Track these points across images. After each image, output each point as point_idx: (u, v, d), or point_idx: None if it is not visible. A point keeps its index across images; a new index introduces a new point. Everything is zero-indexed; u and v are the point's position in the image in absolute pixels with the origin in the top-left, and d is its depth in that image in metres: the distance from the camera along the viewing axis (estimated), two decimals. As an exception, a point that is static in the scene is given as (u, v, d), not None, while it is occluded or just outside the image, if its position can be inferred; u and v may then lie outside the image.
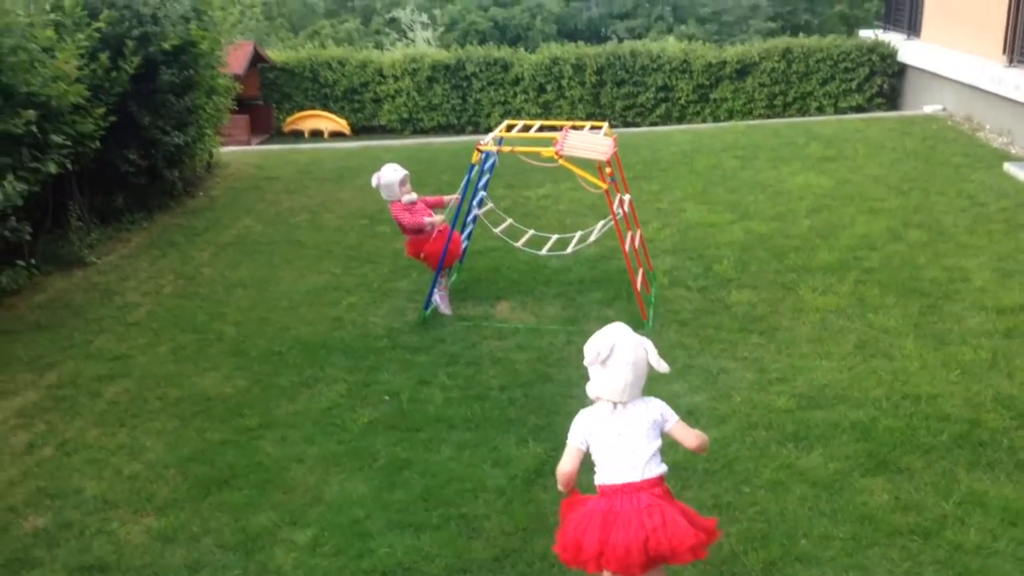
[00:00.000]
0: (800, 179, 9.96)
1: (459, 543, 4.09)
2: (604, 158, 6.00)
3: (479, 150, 6.24)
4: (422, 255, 6.71)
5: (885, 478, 4.45)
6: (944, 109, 13.58)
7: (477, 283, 7.19)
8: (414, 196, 6.64)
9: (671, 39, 17.91)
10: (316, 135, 15.97)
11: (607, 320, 6.45)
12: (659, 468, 3.23)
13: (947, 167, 10.31)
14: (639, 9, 34.18)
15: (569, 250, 6.77)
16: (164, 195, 9.68)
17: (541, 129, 6.63)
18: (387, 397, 5.51)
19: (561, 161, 5.93)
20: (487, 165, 6.93)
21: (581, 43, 16.29)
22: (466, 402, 5.38)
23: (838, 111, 14.81)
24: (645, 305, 6.42)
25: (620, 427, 3.23)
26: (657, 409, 3.30)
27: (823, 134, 12.19)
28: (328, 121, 16.10)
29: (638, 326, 6.26)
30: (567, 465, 3.28)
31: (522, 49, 16.50)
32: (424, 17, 25.94)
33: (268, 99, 16.45)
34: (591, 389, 3.34)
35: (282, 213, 9.63)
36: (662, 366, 3.27)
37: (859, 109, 14.85)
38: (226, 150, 11.93)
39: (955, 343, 5.92)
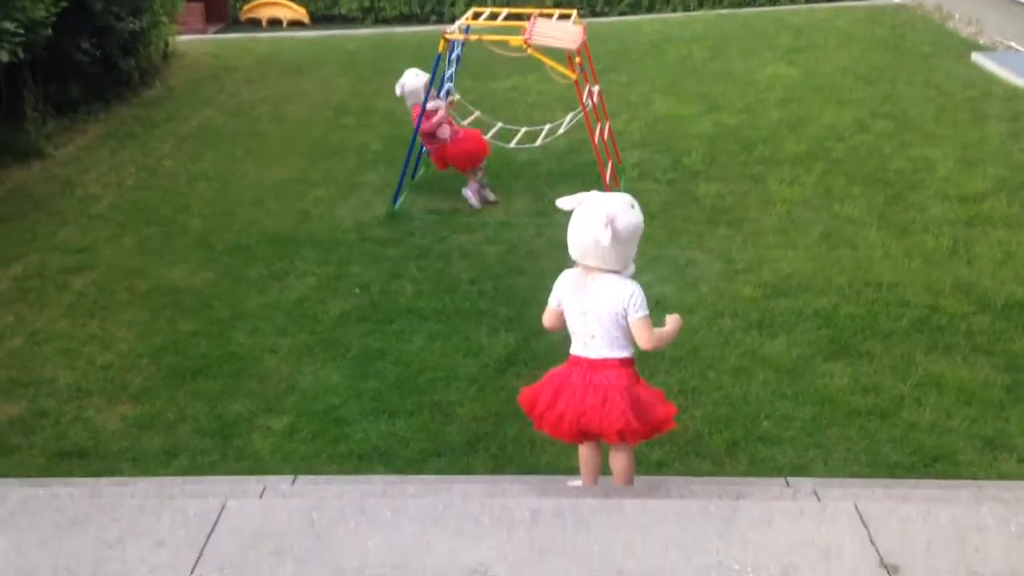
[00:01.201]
0: (769, 70, 9.90)
1: (432, 428, 4.18)
2: (573, 47, 5.92)
3: (445, 39, 6.12)
4: (450, 161, 6.65)
5: (845, 362, 4.59)
6: (914, -2, 13.45)
7: (445, 177, 7.13)
8: (440, 104, 6.55)
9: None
10: (274, 24, 15.48)
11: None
12: (620, 352, 3.23)
13: (915, 57, 10.30)
14: None
15: (538, 142, 6.75)
16: (120, 85, 9.39)
17: (508, 17, 6.49)
18: (358, 290, 5.52)
19: (529, 50, 5.84)
20: (453, 55, 6.81)
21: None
22: (437, 294, 5.41)
23: (809, 0, 14.59)
24: (614, 196, 6.43)
25: (584, 305, 3.22)
26: (621, 300, 3.18)
27: (793, 23, 12.06)
28: (286, 9, 15.58)
29: (607, 217, 6.34)
30: (546, 321, 3.39)
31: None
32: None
33: (224, -15, 15.85)
34: None
35: (243, 104, 9.43)
36: (604, 236, 3.07)
37: (829, -1, 14.63)
38: (182, 39, 11.55)
39: (918, 232, 6.03)
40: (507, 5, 7.79)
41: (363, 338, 4.98)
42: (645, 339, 3.21)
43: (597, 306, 3.20)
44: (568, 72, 6.02)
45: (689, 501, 2.86)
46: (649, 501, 2.89)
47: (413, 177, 6.92)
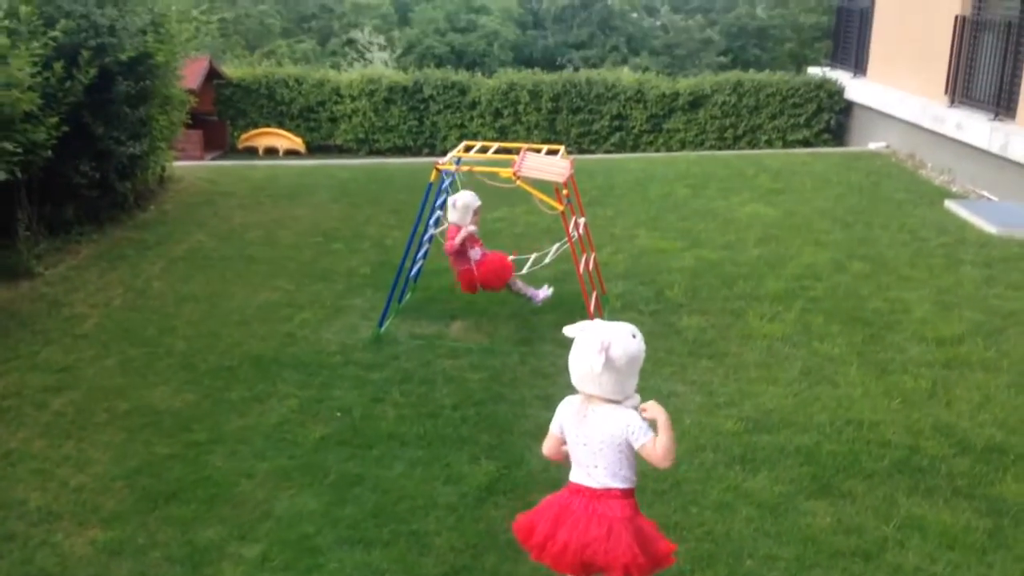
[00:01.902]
0: (749, 209, 10.17)
1: (409, 559, 4.10)
2: (561, 179, 6.10)
3: (437, 169, 6.29)
4: (478, 284, 6.76)
5: (828, 501, 4.56)
6: (888, 146, 13.97)
7: (431, 302, 7.22)
8: (474, 229, 6.69)
9: (626, 69, 18.21)
10: (271, 152, 15.90)
11: (561, 342, 6.54)
12: (623, 483, 3.24)
13: (890, 202, 10.62)
14: (594, 39, 34.67)
15: (524, 271, 6.86)
16: (115, 207, 9.56)
17: (499, 151, 6.71)
18: (339, 413, 5.50)
19: (518, 182, 6.01)
20: (444, 185, 6.99)
21: (538, 70, 16.49)
22: (419, 419, 5.40)
23: (786, 145, 15.16)
24: (597, 328, 6.50)
25: (584, 435, 3.23)
26: (621, 430, 3.18)
27: (772, 166, 12.47)
28: (283, 139, 16.05)
29: (590, 349, 6.39)
30: (545, 449, 3.38)
31: (479, 74, 16.64)
32: (382, 39, 26.00)
33: (223, 115, 16.35)
34: None
35: (235, 229, 9.58)
36: (596, 361, 3.12)
37: (806, 144, 15.22)
38: (179, 164, 11.82)
39: (897, 372, 6.09)
40: (498, 141, 8.06)
41: (342, 463, 4.93)
42: (659, 458, 3.18)
43: (598, 436, 3.21)
44: (555, 204, 6.18)
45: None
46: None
47: (400, 301, 6.98)
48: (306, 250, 8.84)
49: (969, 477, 4.75)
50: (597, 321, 3.33)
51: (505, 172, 6.05)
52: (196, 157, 14.45)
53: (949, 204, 10.44)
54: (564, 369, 6.03)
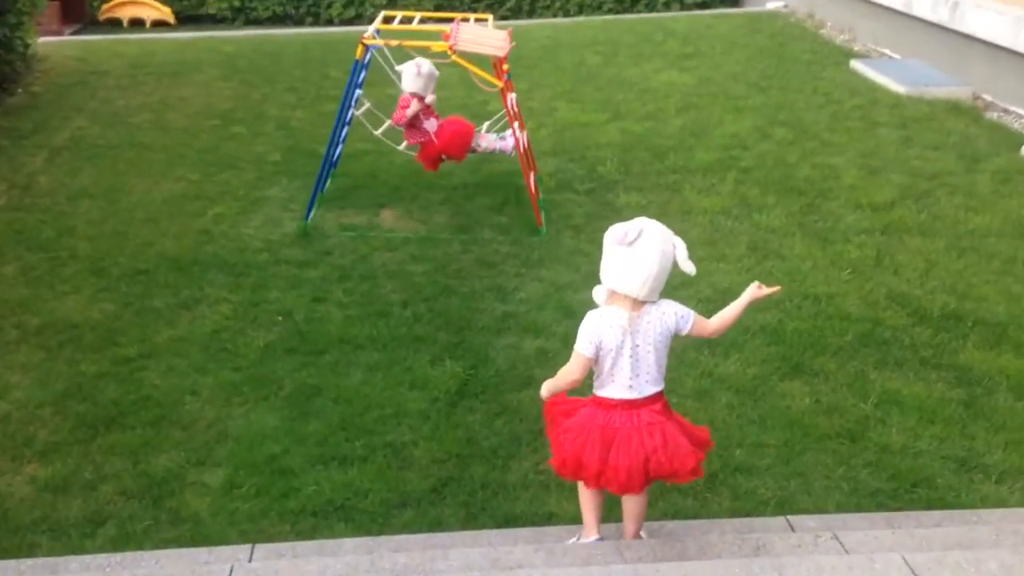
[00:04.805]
0: (664, 76, 9.92)
1: (391, 475, 3.85)
2: (502, 53, 5.67)
3: (364, 44, 5.74)
4: (441, 156, 6.23)
5: (802, 381, 4.52)
6: (786, 6, 13.82)
7: (356, 190, 6.76)
8: (433, 99, 6.17)
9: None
10: (136, 24, 14.55)
11: (501, 227, 6.31)
12: (661, 383, 3.05)
13: (798, 64, 10.53)
14: None
15: (454, 154, 6.46)
16: (-23, 92, 8.56)
17: (423, 22, 6.18)
18: (279, 317, 5.11)
19: (454, 57, 5.55)
20: (366, 61, 6.43)
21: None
22: (368, 320, 5.06)
23: (684, 7, 14.82)
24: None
25: (634, 340, 2.96)
26: (672, 313, 3.01)
27: (677, 31, 12.16)
28: (150, 8, 14.66)
29: (533, 232, 6.14)
30: (575, 373, 3.02)
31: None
32: None
33: (79, -18, 14.80)
34: (604, 285, 3.01)
35: (119, 112, 8.72)
36: (689, 266, 2.98)
37: (704, 5, 14.91)
38: (40, 41, 10.66)
39: (839, 241, 6.07)
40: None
41: (295, 373, 4.58)
42: (712, 330, 3.12)
43: (651, 338, 2.98)
44: (495, 80, 5.77)
45: (737, 561, 2.66)
46: (688, 564, 2.67)
47: (322, 190, 6.50)
48: (203, 135, 8.13)
49: (932, 347, 4.78)
50: (642, 219, 3.02)
51: (439, 46, 5.57)
52: (53, 32, 13.06)
53: (855, 64, 10.42)
54: (509, 256, 5.88)
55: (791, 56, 10.91)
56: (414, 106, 6.03)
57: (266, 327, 5.01)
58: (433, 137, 6.18)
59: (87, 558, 3.30)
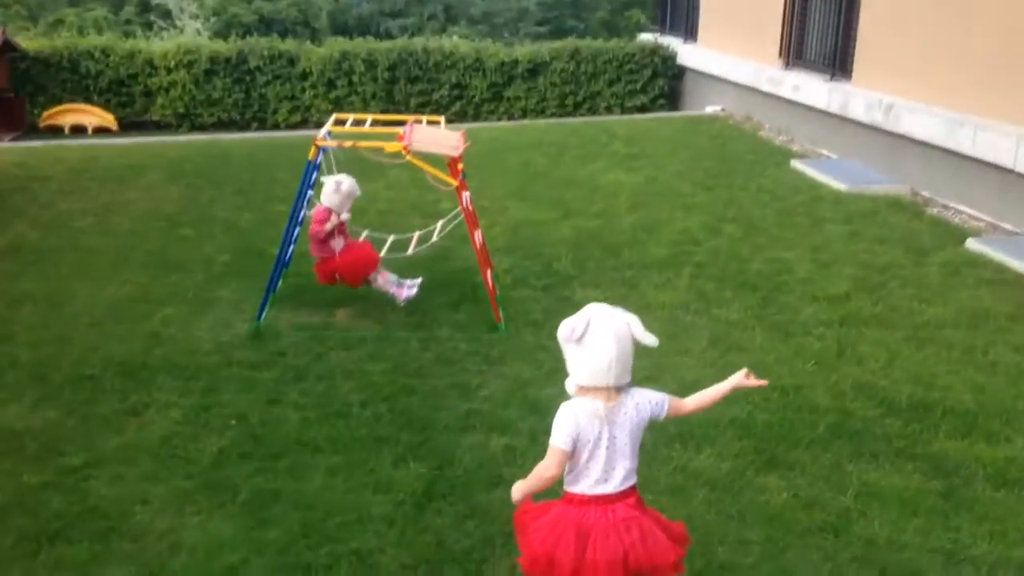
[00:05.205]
0: (611, 176, 10.07)
1: (358, 584, 3.62)
2: (456, 153, 5.66)
3: (317, 146, 5.70)
4: (336, 276, 6.17)
5: (778, 475, 4.42)
6: (723, 109, 14.28)
7: (309, 289, 6.61)
8: (347, 217, 6.17)
9: (455, 38, 17.73)
10: (78, 131, 14.42)
11: (459, 325, 6.20)
12: (634, 478, 2.95)
13: (741, 163, 10.80)
14: (411, 7, 33.84)
15: (410, 251, 6.39)
16: (-89, 197, 8.30)
17: (374, 124, 6.18)
18: (233, 421, 4.89)
19: (408, 157, 5.53)
20: (318, 162, 6.38)
21: (371, 38, 15.78)
22: (326, 421, 4.86)
23: (624, 111, 15.23)
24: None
25: (611, 431, 2.87)
26: (646, 402, 2.98)
27: (620, 133, 12.45)
28: (92, 115, 14.58)
29: (492, 329, 6.04)
30: (552, 469, 2.89)
31: (309, 42, 15.73)
32: (193, 6, 24.25)
33: (20, 91, 14.68)
34: (571, 379, 2.97)
35: (61, 216, 8.53)
36: (648, 338, 2.90)
37: (643, 109, 15.35)
38: (-22, 147, 10.48)
39: (799, 334, 6.07)
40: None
41: (251, 479, 4.35)
42: (689, 409, 3.10)
43: (628, 427, 2.92)
44: (449, 179, 5.75)
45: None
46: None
47: (275, 290, 6.34)
48: (149, 237, 7.96)
49: (905, 437, 4.74)
50: (592, 305, 2.97)
51: (392, 147, 5.54)
52: (-8, 138, 12.91)
53: (795, 163, 10.73)
54: (469, 354, 5.75)
55: (733, 156, 11.20)
56: (334, 220, 6.03)
57: (219, 431, 4.77)
58: (336, 256, 6.15)
59: None
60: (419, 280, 6.33)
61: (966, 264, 7.32)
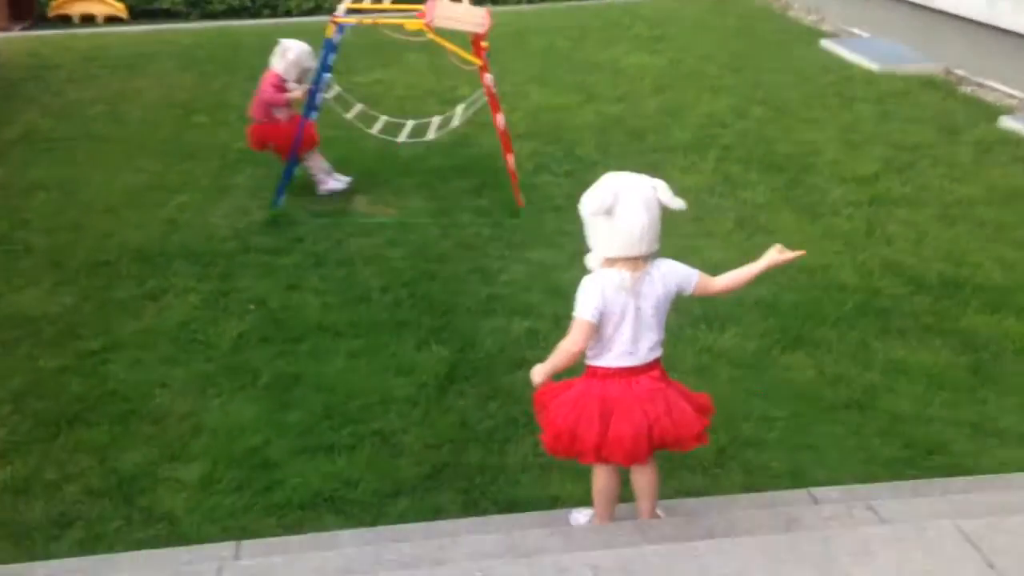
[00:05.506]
0: (634, 59, 9.73)
1: (381, 463, 3.61)
2: (481, 29, 5.44)
3: (335, 23, 5.48)
4: (270, 143, 5.96)
5: (804, 352, 4.35)
6: (751, -11, 13.71)
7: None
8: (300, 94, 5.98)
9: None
10: (88, 20, 14.09)
11: (480, 210, 6.07)
12: (660, 350, 2.87)
13: (770, 44, 10.42)
14: None
15: (430, 135, 6.21)
16: (-79, 87, 8.16)
17: (395, 1, 5.92)
18: (252, 306, 4.84)
19: (430, 34, 5.31)
20: (337, 40, 6.15)
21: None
22: (347, 306, 4.81)
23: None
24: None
25: (637, 302, 2.78)
26: (674, 272, 2.88)
27: (644, 15, 11.99)
28: (101, 4, 14.20)
29: (514, 215, 5.91)
30: (578, 343, 2.80)
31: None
32: None
33: (27, -21, 14.31)
34: (596, 254, 2.84)
35: (72, 105, 8.36)
36: (676, 203, 2.82)
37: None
38: (-13, 36, 10.26)
39: (827, 214, 5.92)
40: None
41: (272, 362, 4.32)
42: (719, 288, 2.99)
43: (654, 298, 2.81)
44: (473, 58, 5.53)
45: (775, 537, 2.46)
46: (725, 541, 2.46)
47: (291, 177, 6.21)
48: (163, 126, 7.81)
49: (934, 314, 4.64)
50: (612, 175, 2.84)
51: (413, 24, 5.31)
52: (1, 29, 12.62)
53: (825, 43, 10.33)
54: (491, 239, 5.64)
55: (761, 37, 10.79)
56: (294, 94, 5.93)
57: (238, 316, 4.73)
58: (280, 123, 6.03)
59: (54, 563, 3.02)
60: (349, 179, 6.23)
61: (999, 142, 7.08)
